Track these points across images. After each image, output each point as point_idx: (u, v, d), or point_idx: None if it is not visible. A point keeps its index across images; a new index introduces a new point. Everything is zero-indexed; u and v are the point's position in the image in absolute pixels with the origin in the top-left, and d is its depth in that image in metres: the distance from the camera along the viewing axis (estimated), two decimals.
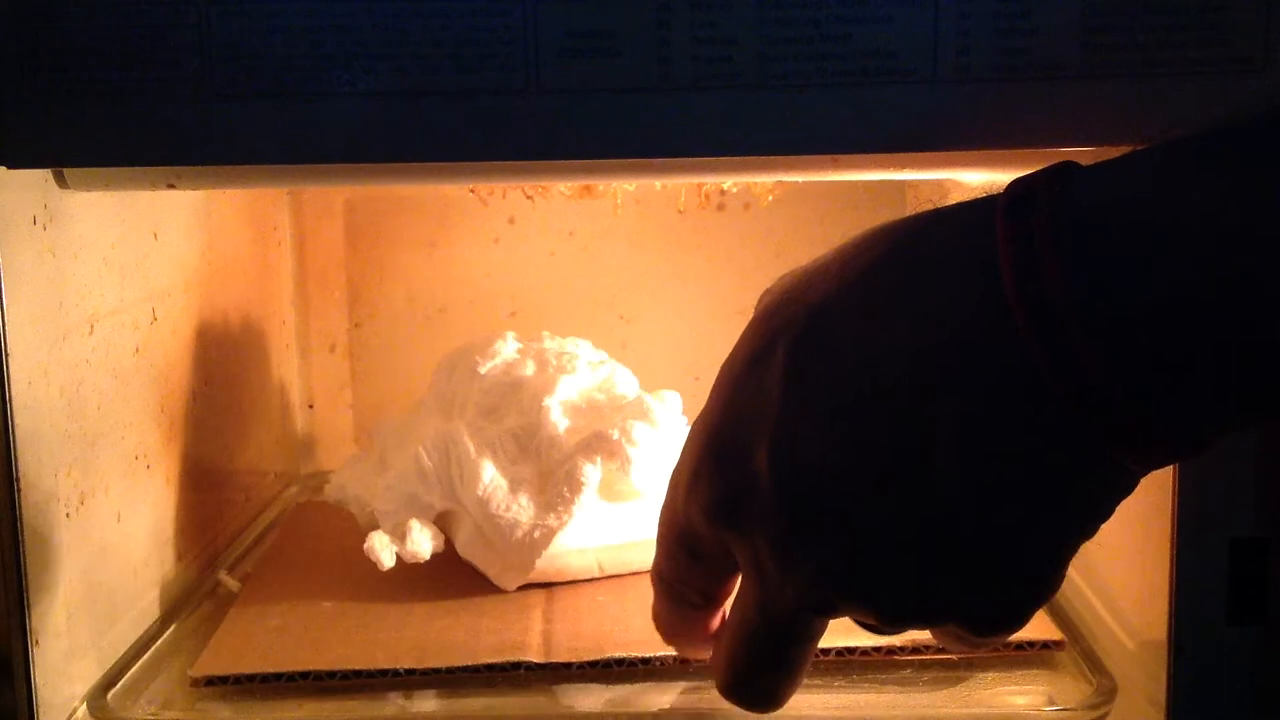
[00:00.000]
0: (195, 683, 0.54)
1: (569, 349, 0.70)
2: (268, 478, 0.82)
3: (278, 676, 0.54)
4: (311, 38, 0.44)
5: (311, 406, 0.89)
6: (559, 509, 0.61)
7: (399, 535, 0.61)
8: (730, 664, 0.40)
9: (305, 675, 0.54)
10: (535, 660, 0.55)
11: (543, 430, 0.64)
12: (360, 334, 0.88)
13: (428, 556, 0.61)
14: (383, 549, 0.61)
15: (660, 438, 0.63)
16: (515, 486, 0.62)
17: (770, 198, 0.74)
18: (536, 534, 0.61)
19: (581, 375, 0.68)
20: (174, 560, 0.64)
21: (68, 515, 0.51)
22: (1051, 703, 0.52)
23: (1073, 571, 0.61)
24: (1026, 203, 0.33)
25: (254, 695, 0.54)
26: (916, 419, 0.33)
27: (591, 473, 0.62)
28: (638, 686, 0.54)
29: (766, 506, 0.36)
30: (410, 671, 0.54)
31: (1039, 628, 0.55)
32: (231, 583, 0.66)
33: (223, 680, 0.54)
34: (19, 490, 0.47)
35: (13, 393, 0.47)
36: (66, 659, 0.51)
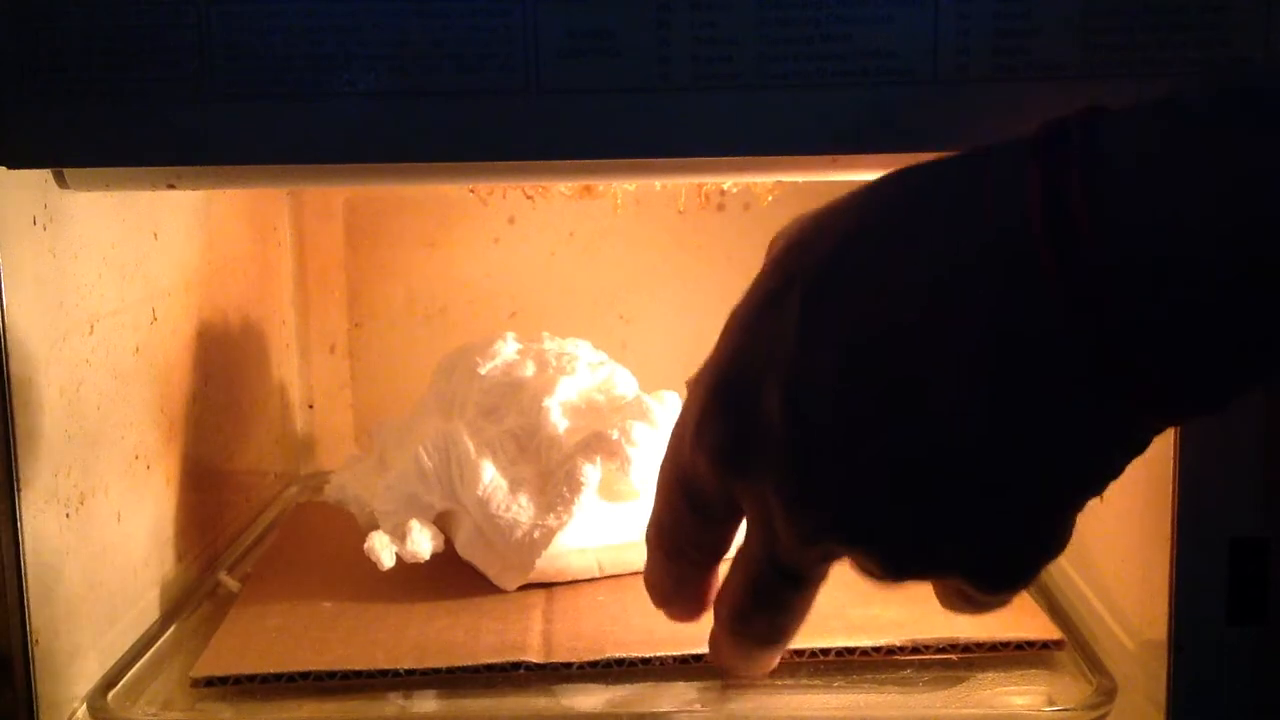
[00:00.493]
0: (195, 683, 0.54)
1: (569, 350, 0.70)
2: (268, 478, 0.82)
3: (278, 677, 0.54)
4: (311, 38, 0.44)
5: (311, 406, 0.89)
6: (559, 509, 0.61)
7: (399, 535, 0.61)
8: (732, 607, 0.39)
9: (305, 675, 0.54)
10: (535, 660, 0.55)
11: (542, 431, 0.64)
12: (360, 334, 0.88)
13: (427, 556, 0.61)
14: (383, 549, 0.61)
15: (659, 438, 0.63)
16: (515, 487, 0.62)
17: (770, 198, 0.74)
18: (536, 534, 0.61)
19: (581, 376, 0.68)
20: (174, 560, 0.64)
21: (68, 515, 0.51)
22: (1051, 703, 0.52)
23: (1073, 571, 0.61)
24: (1058, 147, 0.32)
25: (254, 695, 0.54)
26: (934, 361, 0.33)
27: (591, 473, 0.61)
28: (638, 687, 0.54)
29: (777, 448, 0.35)
30: (410, 672, 0.54)
31: (1039, 627, 0.56)
32: (231, 583, 0.66)
33: (223, 681, 0.54)
34: (19, 490, 0.47)
35: (13, 393, 0.47)
36: (66, 659, 0.51)
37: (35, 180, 0.49)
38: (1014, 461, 0.33)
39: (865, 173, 0.51)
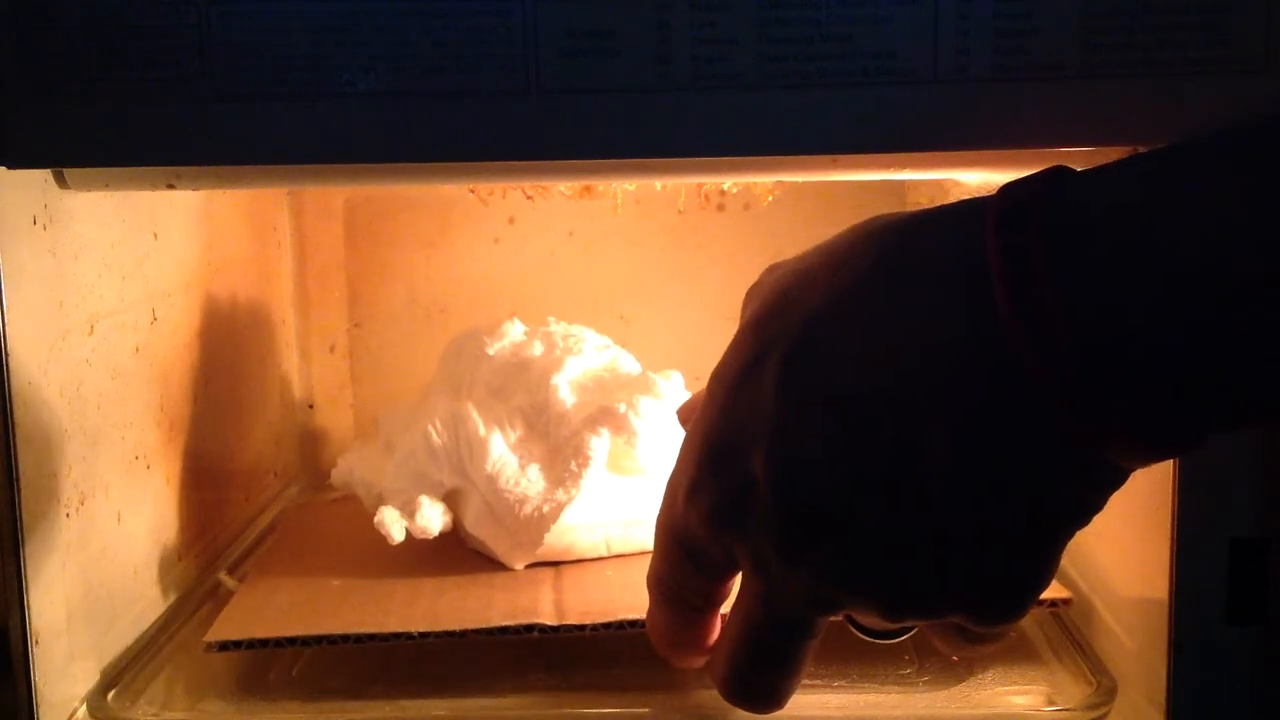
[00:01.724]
0: (209, 648, 0.54)
1: (574, 333, 0.71)
2: (268, 478, 0.82)
3: (291, 641, 0.54)
4: (311, 38, 0.44)
5: (311, 406, 0.89)
6: (567, 483, 0.61)
7: (408, 512, 0.61)
8: (731, 662, 0.40)
9: (319, 640, 0.54)
10: (549, 623, 0.54)
11: (550, 408, 0.64)
12: (360, 334, 0.88)
13: (436, 532, 0.61)
14: (393, 523, 0.61)
15: (666, 411, 0.64)
16: (524, 463, 0.62)
17: (770, 198, 0.74)
18: (545, 508, 0.61)
19: (588, 357, 0.69)
20: (174, 560, 0.64)
21: (68, 515, 0.51)
22: (1051, 703, 0.52)
23: (1073, 572, 0.61)
24: (1018, 214, 0.33)
25: (256, 694, 0.53)
26: (909, 426, 0.34)
27: (598, 446, 0.62)
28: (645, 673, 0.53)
29: (766, 508, 0.36)
30: (424, 635, 0.54)
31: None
32: (231, 583, 0.66)
33: (236, 645, 0.54)
34: (19, 490, 0.47)
35: (13, 392, 0.47)
36: (66, 659, 0.51)
37: (35, 180, 0.49)
38: (1001, 511, 0.34)
39: (865, 173, 0.51)
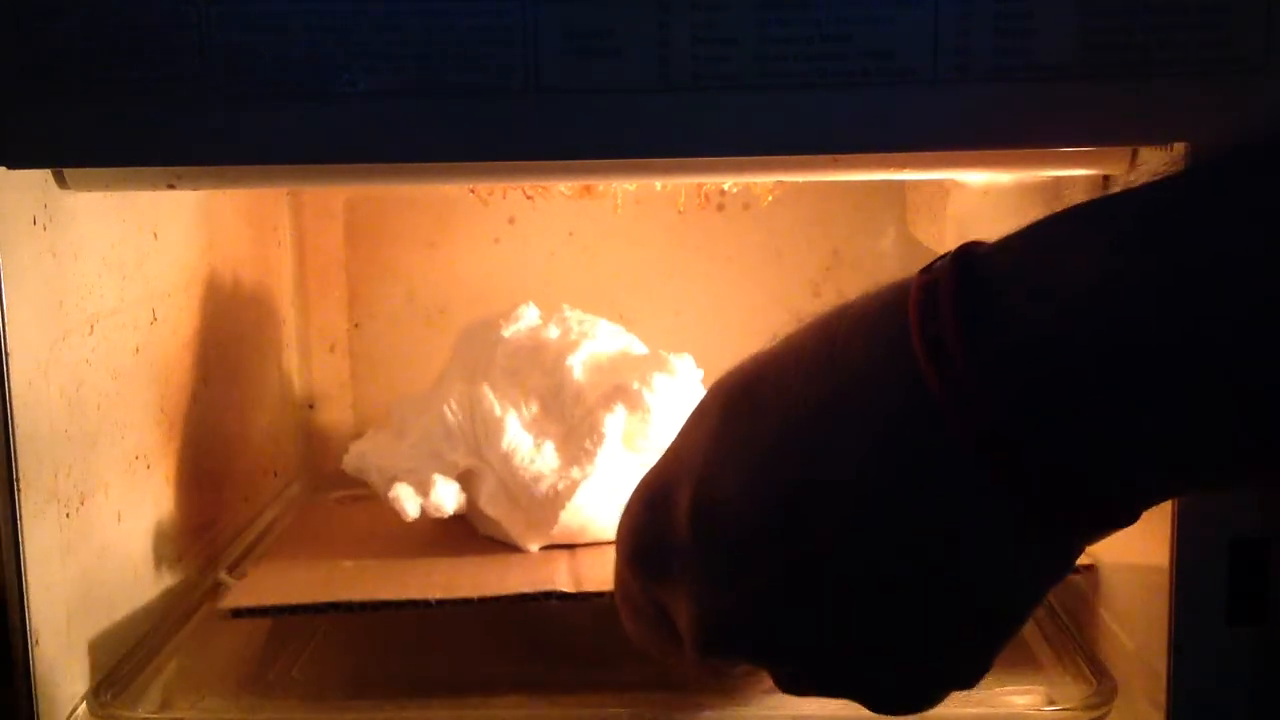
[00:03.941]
0: (225, 615, 0.54)
1: (588, 319, 0.71)
2: (268, 477, 0.82)
3: (307, 608, 0.54)
4: (311, 38, 0.44)
5: (311, 406, 0.89)
6: (582, 461, 0.61)
7: (423, 491, 0.61)
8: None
9: (336, 606, 0.53)
10: (567, 589, 0.54)
11: (566, 389, 0.64)
12: (360, 334, 0.88)
13: (451, 511, 0.61)
14: (408, 499, 0.61)
15: (680, 389, 0.64)
16: (539, 441, 0.63)
17: (770, 198, 0.74)
18: (560, 486, 0.61)
19: (602, 340, 0.69)
20: (174, 560, 0.64)
21: (68, 515, 0.51)
22: (1051, 703, 0.52)
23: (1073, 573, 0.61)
24: (933, 273, 0.33)
25: (255, 693, 0.53)
26: (824, 477, 0.33)
27: (613, 423, 0.62)
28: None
29: (685, 548, 0.35)
30: (441, 603, 0.53)
31: None
32: (231, 582, 0.66)
33: (253, 612, 0.54)
34: (19, 490, 0.47)
35: (13, 393, 0.47)
36: (66, 659, 0.51)
37: (35, 180, 0.49)
38: (905, 587, 0.33)
39: (865, 173, 0.51)
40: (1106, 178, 0.53)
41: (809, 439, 0.33)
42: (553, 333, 0.68)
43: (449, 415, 0.63)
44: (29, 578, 0.48)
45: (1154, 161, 0.47)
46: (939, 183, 0.72)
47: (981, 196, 0.57)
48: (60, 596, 0.50)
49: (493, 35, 0.44)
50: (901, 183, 0.82)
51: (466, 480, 0.63)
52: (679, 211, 0.82)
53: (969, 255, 0.32)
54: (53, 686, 0.50)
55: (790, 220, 0.85)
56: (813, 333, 0.35)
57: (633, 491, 0.39)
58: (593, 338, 0.68)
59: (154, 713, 0.53)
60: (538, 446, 0.62)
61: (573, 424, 0.63)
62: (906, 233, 0.81)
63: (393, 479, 0.63)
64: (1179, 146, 0.45)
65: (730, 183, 0.72)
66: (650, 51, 0.44)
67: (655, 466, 0.38)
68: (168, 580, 0.63)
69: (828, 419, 0.33)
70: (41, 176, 0.49)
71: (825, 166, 0.49)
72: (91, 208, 0.54)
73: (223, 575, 0.67)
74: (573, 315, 0.71)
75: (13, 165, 0.46)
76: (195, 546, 0.67)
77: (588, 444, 0.62)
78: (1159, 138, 0.46)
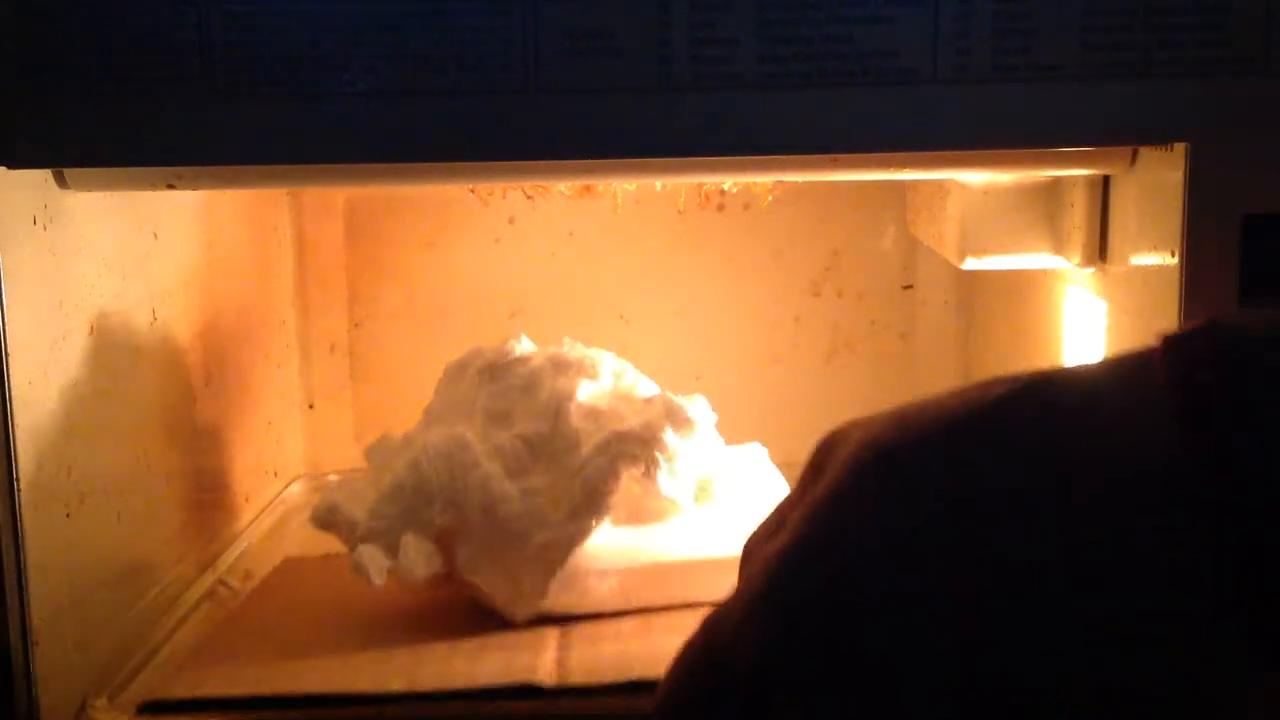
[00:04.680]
0: (139, 710, 0.49)
1: (590, 355, 0.63)
2: (268, 477, 0.82)
3: (237, 703, 0.47)
4: (312, 38, 0.44)
5: (312, 406, 0.89)
6: (578, 518, 0.54)
7: (391, 551, 0.54)
8: None
9: (271, 702, 0.47)
10: (547, 683, 0.47)
11: (560, 437, 0.56)
12: (360, 334, 0.88)
13: (422, 576, 0.54)
14: (372, 563, 0.53)
15: (689, 441, 0.56)
16: (528, 496, 0.55)
17: (770, 198, 0.74)
18: (551, 548, 0.54)
19: (605, 379, 0.61)
20: (174, 561, 0.64)
21: (68, 515, 0.51)
22: None
23: None
24: (1178, 342, 0.29)
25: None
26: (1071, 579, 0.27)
27: (614, 477, 0.54)
28: None
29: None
30: (399, 698, 0.46)
31: None
32: (231, 583, 0.66)
33: (168, 707, 0.47)
34: (19, 490, 0.47)
35: (13, 392, 0.47)
36: (66, 659, 0.51)
37: (35, 180, 0.49)
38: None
39: (865, 173, 0.51)
40: (1107, 178, 0.53)
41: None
42: (548, 370, 0.60)
43: (424, 465, 0.55)
44: (29, 578, 0.48)
45: (1153, 162, 0.47)
46: (939, 183, 0.72)
47: (982, 196, 0.57)
48: (60, 597, 0.50)
49: (493, 35, 0.44)
50: (901, 183, 0.82)
51: (446, 540, 0.55)
52: (679, 211, 0.82)
53: (1217, 323, 0.28)
54: (52, 687, 0.50)
55: (790, 220, 0.85)
56: (982, 395, 0.30)
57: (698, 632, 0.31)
58: (594, 377, 0.60)
59: (152, 713, 0.52)
60: (526, 502, 0.54)
61: (567, 475, 0.55)
62: (906, 232, 0.81)
63: (362, 537, 0.55)
64: (1179, 147, 0.45)
65: (730, 183, 0.72)
66: (650, 52, 0.44)
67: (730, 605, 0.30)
68: (167, 581, 0.63)
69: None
70: (42, 176, 0.49)
71: (825, 166, 0.49)
72: (91, 207, 0.54)
73: (222, 576, 0.67)
74: (572, 350, 0.63)
75: (13, 165, 0.46)
76: (195, 547, 0.67)
77: (584, 500, 0.54)
78: (1159, 138, 0.46)
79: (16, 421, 0.47)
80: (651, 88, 0.44)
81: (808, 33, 0.44)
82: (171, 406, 0.64)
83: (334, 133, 0.45)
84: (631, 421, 0.57)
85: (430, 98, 0.44)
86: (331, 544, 0.60)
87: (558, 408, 0.57)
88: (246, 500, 0.77)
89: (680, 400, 0.58)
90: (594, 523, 0.54)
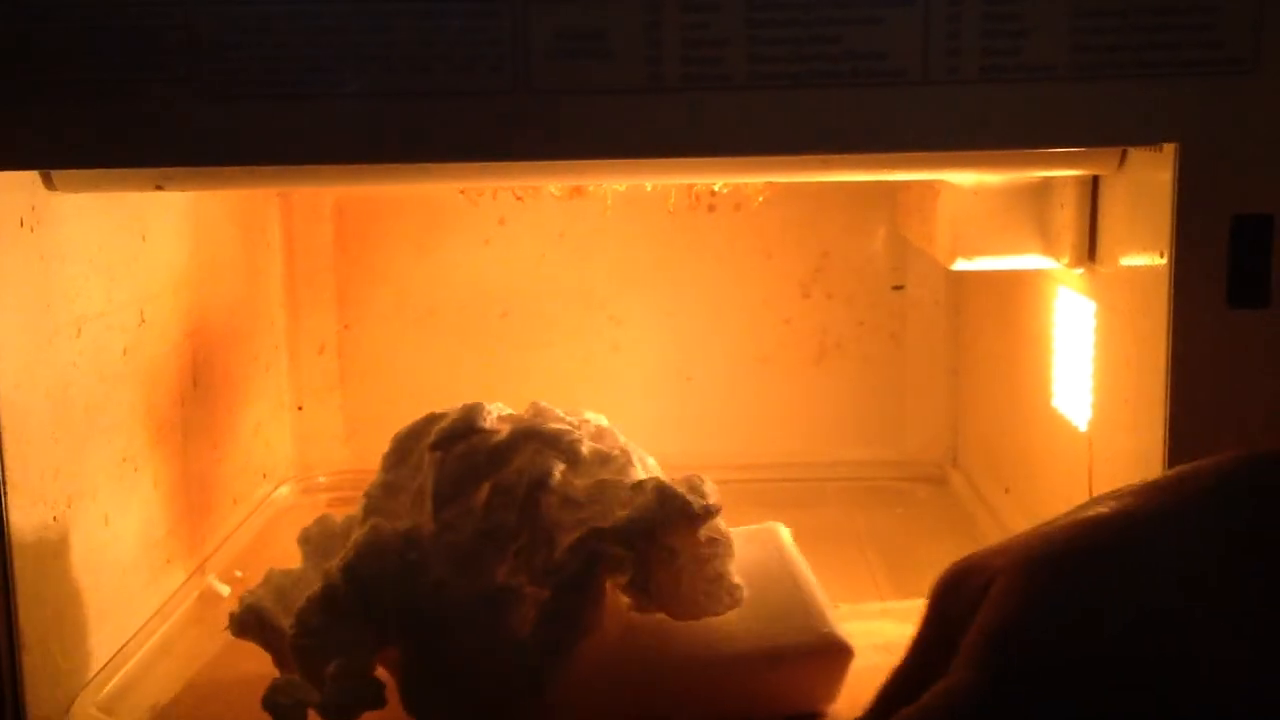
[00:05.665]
0: None
1: (569, 423, 0.51)
2: (257, 479, 0.82)
3: None
4: (301, 39, 0.44)
5: (301, 408, 0.88)
6: (554, 632, 0.44)
7: (317, 681, 0.44)
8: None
9: None
10: None
11: (531, 531, 0.47)
12: (349, 336, 0.88)
13: (359, 716, 0.44)
14: (291, 705, 0.44)
15: (689, 541, 0.47)
16: (490, 606, 0.45)
17: (761, 198, 0.74)
18: (521, 670, 0.44)
19: (588, 456, 0.50)
20: (162, 563, 0.64)
21: (55, 518, 0.51)
22: None
23: None
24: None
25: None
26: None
27: (596, 582, 0.45)
28: None
29: None
30: None
31: None
32: (220, 586, 0.65)
33: None
34: (6, 493, 0.47)
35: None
36: (54, 662, 0.51)
37: (22, 182, 0.49)
38: None
39: (856, 173, 0.51)
40: (1096, 178, 0.53)
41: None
42: (518, 444, 0.49)
43: (360, 567, 0.45)
44: (16, 581, 0.48)
45: (1143, 162, 0.48)
46: (929, 183, 0.72)
47: (972, 197, 0.57)
48: (48, 599, 0.50)
49: (483, 36, 0.44)
50: (891, 183, 0.82)
51: (390, 661, 0.46)
52: (669, 212, 0.82)
53: None
54: (39, 690, 0.49)
55: (780, 221, 0.85)
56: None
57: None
58: (571, 454, 0.49)
59: (142, 716, 0.52)
60: (490, 613, 0.44)
61: (538, 578, 0.46)
62: (896, 233, 0.81)
63: (287, 654, 0.46)
64: (1168, 147, 0.45)
65: (721, 183, 0.72)
66: (641, 53, 0.44)
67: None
68: (156, 583, 0.62)
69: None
70: (28, 178, 0.49)
71: (816, 167, 0.49)
72: (79, 209, 0.54)
73: (211, 578, 0.66)
74: (548, 415, 0.52)
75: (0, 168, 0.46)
76: (184, 549, 0.67)
77: (560, 612, 0.44)
78: (1149, 138, 0.46)
79: (3, 424, 0.47)
80: (641, 88, 0.44)
81: (798, 34, 0.44)
82: (160, 408, 0.64)
83: (322, 134, 0.45)
84: (618, 514, 0.47)
85: (420, 98, 0.44)
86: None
87: (528, 497, 0.47)
88: (235, 502, 0.76)
89: (679, 485, 0.47)
90: (574, 640, 0.44)
